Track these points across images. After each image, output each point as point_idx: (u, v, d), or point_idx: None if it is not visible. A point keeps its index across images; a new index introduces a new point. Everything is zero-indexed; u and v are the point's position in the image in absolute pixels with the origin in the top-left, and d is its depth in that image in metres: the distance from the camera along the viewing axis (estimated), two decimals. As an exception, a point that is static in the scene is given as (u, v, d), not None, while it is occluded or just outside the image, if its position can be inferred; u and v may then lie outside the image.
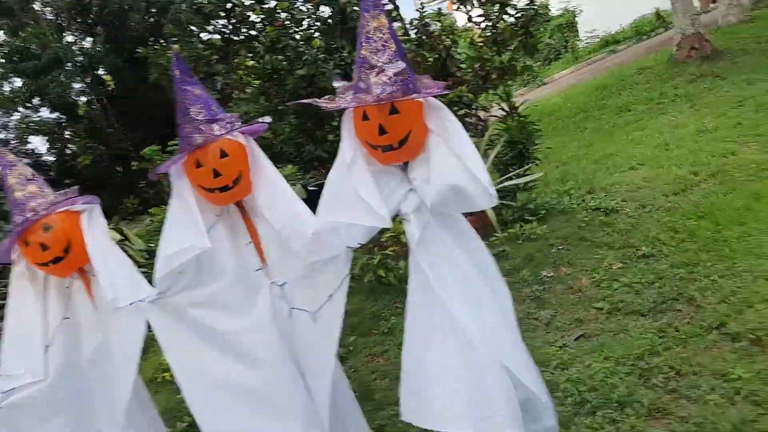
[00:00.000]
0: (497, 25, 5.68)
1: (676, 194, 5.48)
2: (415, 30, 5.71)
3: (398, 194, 2.37)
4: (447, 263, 2.30)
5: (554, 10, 22.35)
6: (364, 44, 2.26)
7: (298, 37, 5.57)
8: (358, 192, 2.29)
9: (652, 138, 7.60)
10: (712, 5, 16.54)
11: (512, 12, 5.69)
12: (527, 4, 5.73)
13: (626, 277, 4.16)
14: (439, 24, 6.20)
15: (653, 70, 10.86)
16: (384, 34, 2.25)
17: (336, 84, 2.44)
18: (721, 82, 9.02)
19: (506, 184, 5.92)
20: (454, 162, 2.23)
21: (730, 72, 9.35)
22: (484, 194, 2.20)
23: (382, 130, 2.26)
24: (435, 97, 2.33)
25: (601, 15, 21.44)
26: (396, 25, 6.17)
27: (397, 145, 2.29)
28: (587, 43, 20.83)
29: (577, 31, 21.70)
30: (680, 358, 3.16)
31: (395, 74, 2.21)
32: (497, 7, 5.64)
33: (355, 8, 5.22)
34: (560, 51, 20.94)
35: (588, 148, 8.36)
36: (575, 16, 21.61)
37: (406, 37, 5.89)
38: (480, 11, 5.76)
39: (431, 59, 5.95)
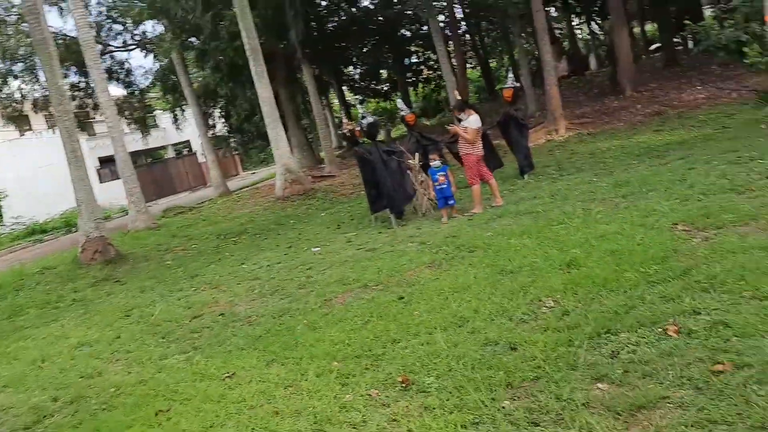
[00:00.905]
0: None
1: (26, 429, 4.79)
2: None
3: None
4: None
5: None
6: None
7: None
8: None
9: (32, 351, 6.89)
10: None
11: None
12: None
13: None
14: None
15: (57, 270, 10.42)
16: None
17: None
18: (119, 288, 9.14)
19: None
20: None
21: (131, 278, 9.62)
22: None
23: None
24: None
25: (31, 202, 20.47)
26: None
27: None
28: (12, 229, 19.39)
29: (1, 216, 20.06)
30: None
31: None
32: None
33: None
34: (-21, 235, 18.81)
35: (-43, 363, 7.04)
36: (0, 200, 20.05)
37: None
38: None
39: None
